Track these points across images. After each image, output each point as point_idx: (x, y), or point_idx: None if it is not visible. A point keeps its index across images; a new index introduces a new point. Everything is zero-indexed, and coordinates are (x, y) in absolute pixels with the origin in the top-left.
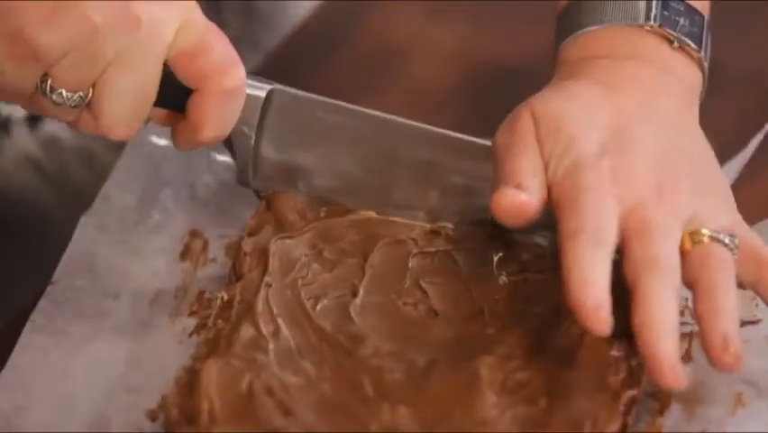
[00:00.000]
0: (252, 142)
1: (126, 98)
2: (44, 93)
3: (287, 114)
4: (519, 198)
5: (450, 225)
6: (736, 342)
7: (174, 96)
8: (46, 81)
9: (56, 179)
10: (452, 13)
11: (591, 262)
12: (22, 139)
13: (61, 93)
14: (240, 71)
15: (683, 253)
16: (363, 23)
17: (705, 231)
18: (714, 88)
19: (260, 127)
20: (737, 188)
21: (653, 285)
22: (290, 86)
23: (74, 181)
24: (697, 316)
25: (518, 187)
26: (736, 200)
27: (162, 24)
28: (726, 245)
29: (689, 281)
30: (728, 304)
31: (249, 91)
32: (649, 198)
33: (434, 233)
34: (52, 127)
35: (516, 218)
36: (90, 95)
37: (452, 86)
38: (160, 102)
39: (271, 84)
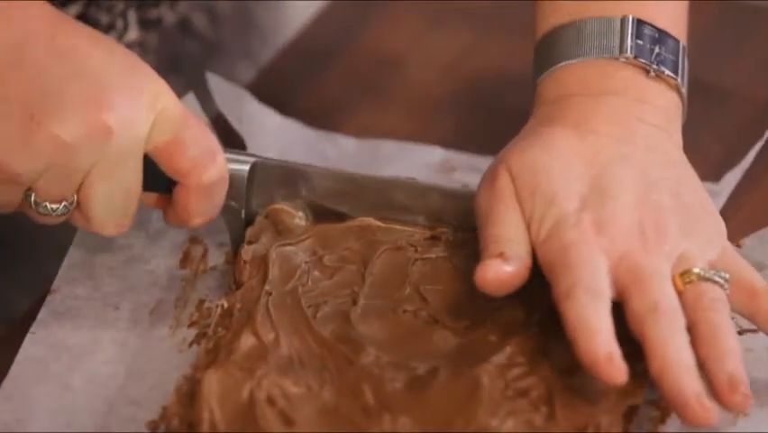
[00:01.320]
0: (243, 215)
1: (111, 201)
2: (30, 206)
3: (272, 183)
4: (503, 271)
5: (449, 231)
6: (743, 381)
7: (160, 180)
8: (30, 195)
9: None
10: (450, 22)
11: (593, 314)
12: None
13: (46, 205)
14: (218, 162)
15: (677, 293)
16: (361, 32)
17: (695, 270)
18: (711, 101)
19: (248, 199)
20: (738, 196)
21: (660, 332)
22: (288, 96)
23: None
24: (700, 360)
25: (501, 257)
26: (738, 209)
27: (134, 127)
28: (716, 282)
29: (686, 324)
30: (729, 344)
31: (232, 167)
32: (636, 245)
33: (434, 239)
34: None
35: (501, 290)
36: (74, 202)
37: (450, 95)
38: (147, 186)
39: (253, 156)
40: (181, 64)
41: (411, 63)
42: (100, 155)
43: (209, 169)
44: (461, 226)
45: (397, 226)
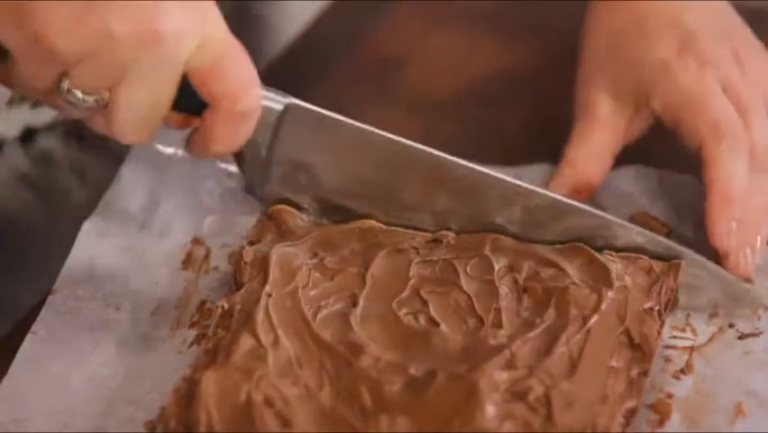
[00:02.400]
0: (264, 154)
1: (139, 109)
2: (60, 92)
3: (301, 129)
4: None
5: (451, 234)
6: None
7: (190, 102)
8: (64, 81)
9: (49, 195)
10: (452, 22)
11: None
12: (15, 157)
13: (77, 94)
14: (253, 94)
15: None
16: (364, 33)
17: None
18: None
19: (273, 140)
20: None
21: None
22: (291, 96)
23: (67, 197)
24: None
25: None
26: None
27: (182, 40)
28: None
29: None
30: None
31: (266, 104)
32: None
33: (436, 241)
34: (46, 144)
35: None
36: (106, 100)
37: (453, 95)
38: (176, 105)
39: (287, 98)
40: None
41: (414, 63)
42: (142, 58)
43: (243, 99)
44: (470, 224)
45: (400, 229)
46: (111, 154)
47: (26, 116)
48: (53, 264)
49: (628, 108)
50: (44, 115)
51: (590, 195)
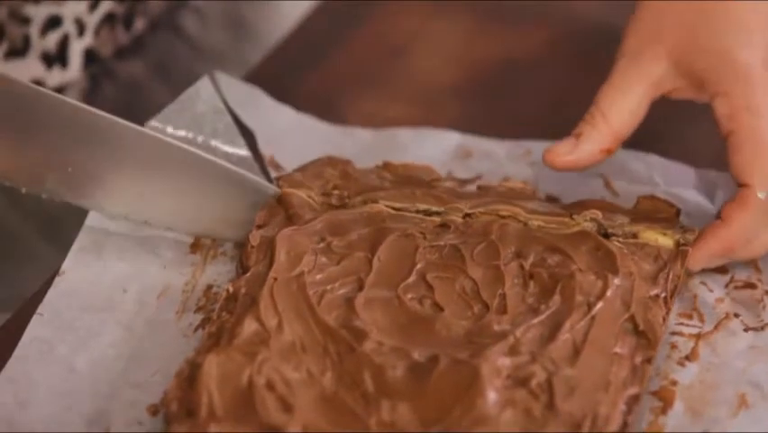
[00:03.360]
0: None
1: None
2: None
3: None
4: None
5: (460, 220)
6: None
7: None
8: None
9: None
10: (452, 10)
11: None
12: None
13: None
14: None
15: None
16: (365, 19)
17: None
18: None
19: None
20: None
21: None
22: (292, 85)
23: None
24: None
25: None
26: None
27: None
28: None
29: None
30: None
31: None
32: None
33: (444, 226)
34: None
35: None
36: None
37: (453, 83)
38: None
39: None
40: (171, 65)
41: (414, 51)
42: None
43: None
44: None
45: (408, 213)
46: None
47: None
48: (62, 247)
49: (681, 80)
50: (53, 80)
51: (612, 154)
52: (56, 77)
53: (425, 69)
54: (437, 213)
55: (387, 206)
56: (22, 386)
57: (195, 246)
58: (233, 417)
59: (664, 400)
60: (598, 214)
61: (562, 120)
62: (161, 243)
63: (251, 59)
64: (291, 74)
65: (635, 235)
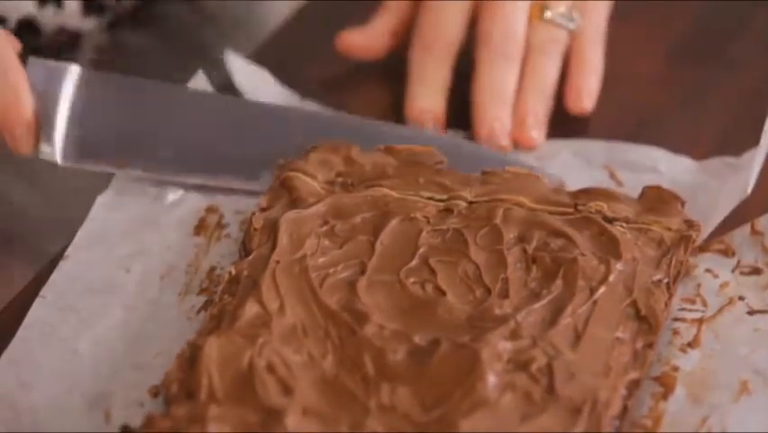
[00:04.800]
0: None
1: None
2: None
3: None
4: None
5: (463, 203)
6: (538, 123)
7: None
8: None
9: None
10: None
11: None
12: None
13: None
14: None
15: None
16: (364, 8)
17: (548, 12)
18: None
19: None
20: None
21: (485, 58)
22: (285, 75)
23: None
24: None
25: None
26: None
27: None
28: (561, 26)
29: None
30: (540, 85)
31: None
32: None
33: (448, 210)
34: None
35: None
36: None
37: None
38: None
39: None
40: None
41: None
42: None
43: None
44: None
45: (412, 197)
46: None
47: None
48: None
49: None
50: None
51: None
52: (50, 13)
53: None
54: (441, 200)
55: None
56: (25, 367)
57: (199, 228)
58: (233, 399)
59: (665, 385)
60: (604, 206)
61: (563, 119)
62: (165, 224)
63: (261, 30)
64: (290, 61)
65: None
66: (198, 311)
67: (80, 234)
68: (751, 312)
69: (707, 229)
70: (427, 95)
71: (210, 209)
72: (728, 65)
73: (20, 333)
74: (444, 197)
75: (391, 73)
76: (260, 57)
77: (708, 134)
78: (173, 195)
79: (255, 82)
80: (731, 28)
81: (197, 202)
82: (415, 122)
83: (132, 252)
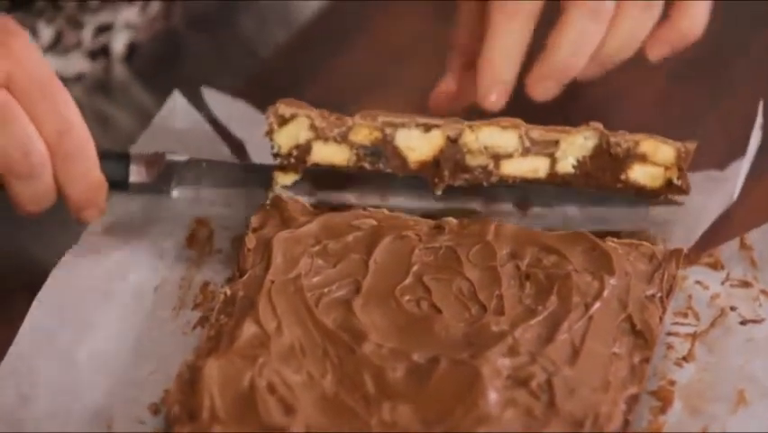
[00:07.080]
0: None
1: None
2: None
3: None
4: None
5: (454, 221)
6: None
7: None
8: None
9: None
10: (453, 12)
11: None
12: None
13: None
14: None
15: None
16: (367, 24)
17: None
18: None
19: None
20: (742, 190)
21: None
22: (292, 87)
23: None
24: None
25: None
26: (742, 203)
27: None
28: None
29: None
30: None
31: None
32: None
33: (439, 228)
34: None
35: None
36: None
37: None
38: None
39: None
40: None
41: (415, 54)
42: None
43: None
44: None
45: (403, 215)
46: (135, 108)
47: (54, 66)
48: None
49: None
50: (71, 67)
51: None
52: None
53: (427, 72)
54: (437, 126)
55: (386, 122)
56: (24, 378)
57: (190, 241)
58: (235, 419)
59: (663, 399)
60: (600, 125)
61: (563, 118)
62: (157, 235)
63: (268, 46)
64: (292, 77)
65: (636, 143)
66: (194, 327)
67: (75, 247)
68: (743, 322)
69: (693, 237)
70: (503, 65)
71: (200, 222)
72: (727, 86)
73: (18, 338)
74: (440, 121)
75: (399, 86)
76: (269, 69)
77: (705, 153)
78: (165, 202)
79: (234, 111)
80: (731, 51)
81: (190, 208)
82: (484, 88)
83: (125, 259)
